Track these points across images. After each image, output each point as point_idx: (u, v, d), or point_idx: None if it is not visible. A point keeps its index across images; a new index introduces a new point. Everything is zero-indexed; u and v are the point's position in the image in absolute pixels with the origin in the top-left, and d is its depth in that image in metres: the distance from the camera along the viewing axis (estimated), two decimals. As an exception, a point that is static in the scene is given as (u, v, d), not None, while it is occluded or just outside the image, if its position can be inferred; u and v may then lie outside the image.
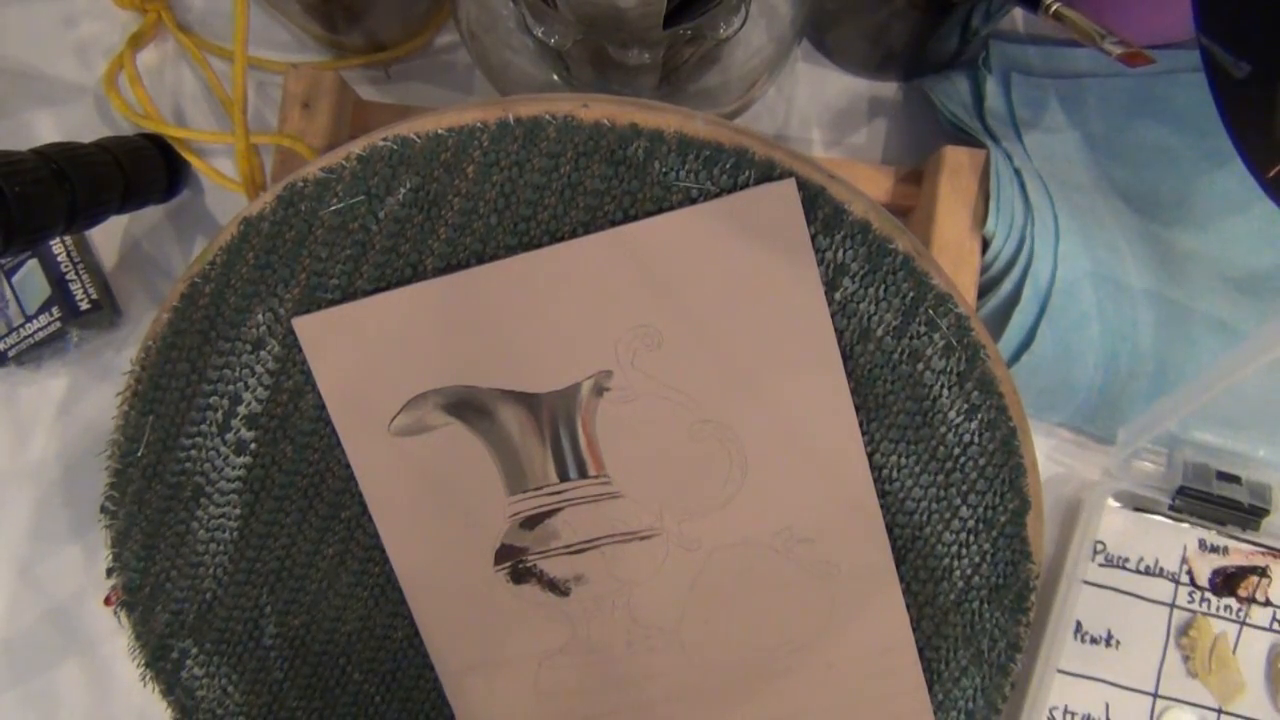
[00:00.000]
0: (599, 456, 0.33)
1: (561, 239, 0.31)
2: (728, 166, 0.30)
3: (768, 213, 0.30)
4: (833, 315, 0.31)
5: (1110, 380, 0.39)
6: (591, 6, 0.29)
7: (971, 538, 0.33)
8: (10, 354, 0.43)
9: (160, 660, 0.35)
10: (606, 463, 0.33)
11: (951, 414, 0.32)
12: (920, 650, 0.34)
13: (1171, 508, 0.40)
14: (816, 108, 0.44)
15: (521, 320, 0.32)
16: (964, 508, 0.33)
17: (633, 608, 0.34)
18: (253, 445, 0.33)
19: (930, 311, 0.31)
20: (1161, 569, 0.40)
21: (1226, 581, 0.40)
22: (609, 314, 0.31)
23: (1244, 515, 0.39)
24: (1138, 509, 0.40)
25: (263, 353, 0.32)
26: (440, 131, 0.30)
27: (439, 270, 0.31)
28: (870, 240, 0.30)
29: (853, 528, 0.33)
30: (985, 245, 0.38)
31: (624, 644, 0.34)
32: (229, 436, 0.33)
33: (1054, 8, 0.32)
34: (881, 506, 0.33)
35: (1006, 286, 0.38)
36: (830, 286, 0.31)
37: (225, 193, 0.44)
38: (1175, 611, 0.40)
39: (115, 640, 0.43)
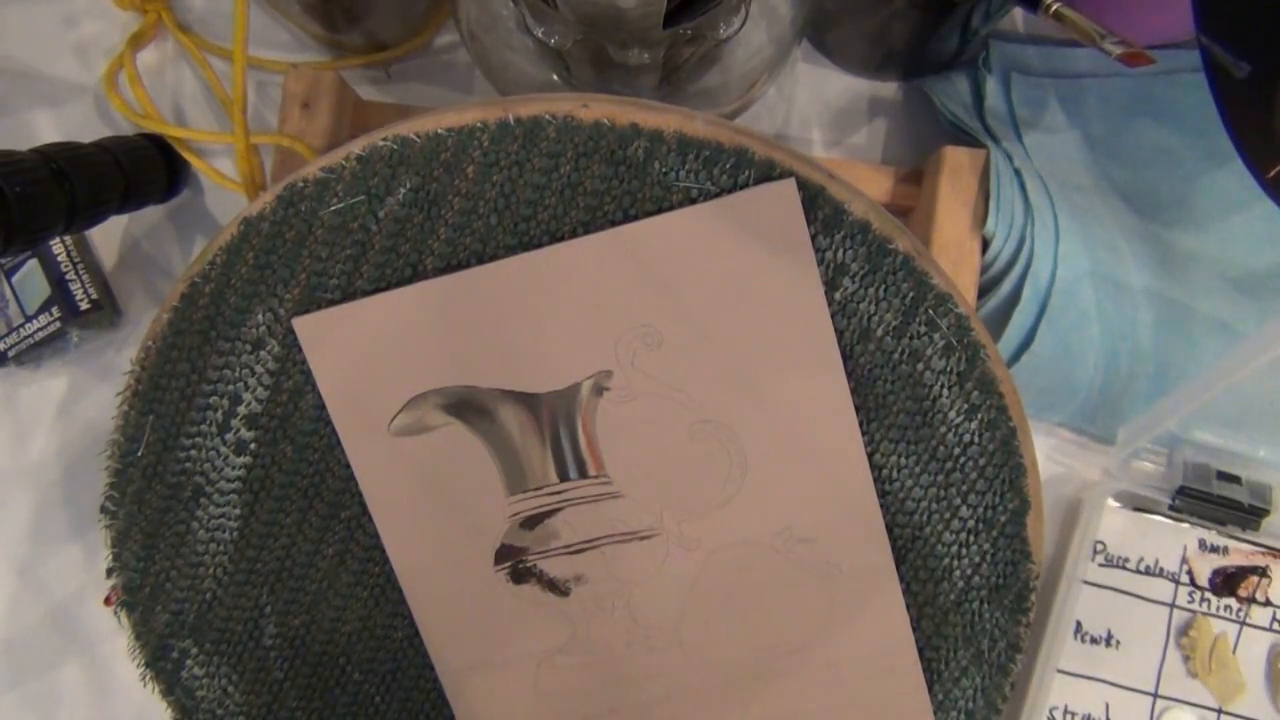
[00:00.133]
0: (599, 456, 0.33)
1: (561, 239, 0.31)
2: (728, 166, 0.30)
3: (768, 212, 0.30)
4: (833, 315, 0.31)
5: (1110, 380, 0.39)
6: (591, 6, 0.29)
7: (971, 538, 0.33)
8: (10, 354, 0.43)
9: (160, 660, 0.35)
10: (606, 463, 0.33)
11: (951, 414, 0.32)
12: (920, 650, 0.34)
13: (1171, 508, 0.40)
14: (816, 108, 0.44)
15: (521, 320, 0.32)
16: (964, 508, 0.33)
17: (633, 608, 0.34)
18: (253, 445, 0.33)
19: (930, 311, 0.31)
20: (1161, 569, 0.40)
21: (1226, 581, 0.40)
22: (609, 314, 0.31)
23: (1244, 515, 0.39)
24: (1138, 509, 0.40)
25: (263, 353, 0.32)
26: (440, 131, 0.30)
27: (439, 270, 0.31)
28: (870, 240, 0.30)
29: (853, 528, 0.33)
30: (985, 245, 0.38)
31: (624, 644, 0.34)
32: (229, 436, 0.33)
33: (1054, 8, 0.32)
34: (881, 506, 0.33)
35: (1006, 286, 0.38)
36: (830, 286, 0.31)
37: (225, 193, 0.44)
38: (1175, 611, 0.40)
39: (115, 640, 0.43)
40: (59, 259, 0.43)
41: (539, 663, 0.35)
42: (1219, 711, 0.39)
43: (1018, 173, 0.38)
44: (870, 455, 0.32)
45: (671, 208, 0.31)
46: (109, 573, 0.35)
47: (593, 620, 0.34)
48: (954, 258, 0.37)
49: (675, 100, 0.34)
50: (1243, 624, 0.39)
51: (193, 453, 0.33)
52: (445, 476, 0.33)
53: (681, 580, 0.34)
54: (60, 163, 0.36)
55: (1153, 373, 0.39)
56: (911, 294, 0.31)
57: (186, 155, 0.43)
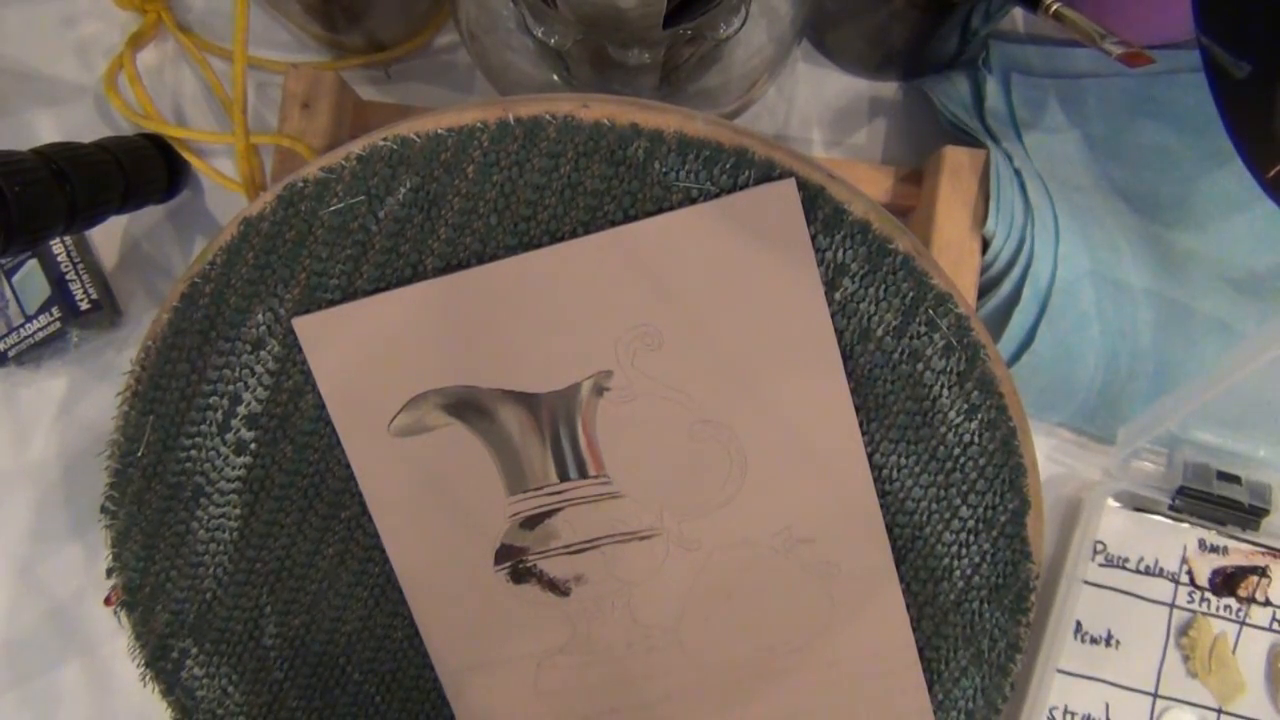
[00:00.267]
0: (599, 456, 0.33)
1: (561, 239, 0.31)
2: (728, 166, 0.30)
3: (768, 213, 0.30)
4: (833, 315, 0.31)
5: (1110, 380, 0.39)
6: (591, 6, 0.29)
7: (971, 538, 0.33)
8: (10, 354, 0.43)
9: (160, 660, 0.35)
10: (606, 463, 0.33)
11: (951, 414, 0.32)
12: (920, 650, 0.34)
13: (1171, 508, 0.40)
14: (816, 108, 0.44)
15: (521, 320, 0.32)
16: (964, 508, 0.33)
17: (633, 608, 0.34)
18: (253, 445, 0.33)
19: (930, 311, 0.31)
20: (1161, 569, 0.40)
21: (1226, 581, 0.40)
22: (609, 314, 0.31)
23: (1244, 515, 0.39)
24: (1138, 509, 0.40)
25: (263, 353, 0.32)
26: (440, 131, 0.30)
27: (439, 270, 0.31)
28: (870, 240, 0.30)
29: (853, 528, 0.33)
30: (985, 245, 0.38)
31: (624, 644, 0.34)
32: (229, 436, 0.33)
33: (1054, 8, 0.32)
34: (881, 506, 0.33)
35: (1006, 286, 0.38)
36: (830, 286, 0.31)
37: (225, 193, 0.44)
38: (1175, 611, 0.40)
39: (115, 640, 0.43)
40: (59, 259, 0.43)
41: (539, 663, 0.35)
42: (1219, 711, 0.39)
43: (1018, 173, 0.38)
44: (870, 455, 0.32)
45: (671, 208, 0.31)
46: (109, 573, 0.35)
47: (593, 620, 0.34)
48: (954, 258, 0.37)
49: (675, 100, 0.34)
50: (1242, 624, 0.39)
51: (193, 453, 0.33)
52: (445, 476, 0.33)
53: (682, 580, 0.34)
54: (60, 163, 0.36)
55: (1153, 373, 0.39)
56: (911, 294, 0.31)
57: (186, 155, 0.43)
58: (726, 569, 0.34)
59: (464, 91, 0.45)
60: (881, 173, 0.40)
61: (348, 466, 0.33)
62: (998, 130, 0.40)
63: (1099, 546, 0.40)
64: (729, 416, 0.32)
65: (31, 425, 0.44)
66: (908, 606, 0.34)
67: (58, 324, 0.43)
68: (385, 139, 0.31)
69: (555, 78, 0.36)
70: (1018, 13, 0.43)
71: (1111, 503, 0.40)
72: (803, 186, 0.30)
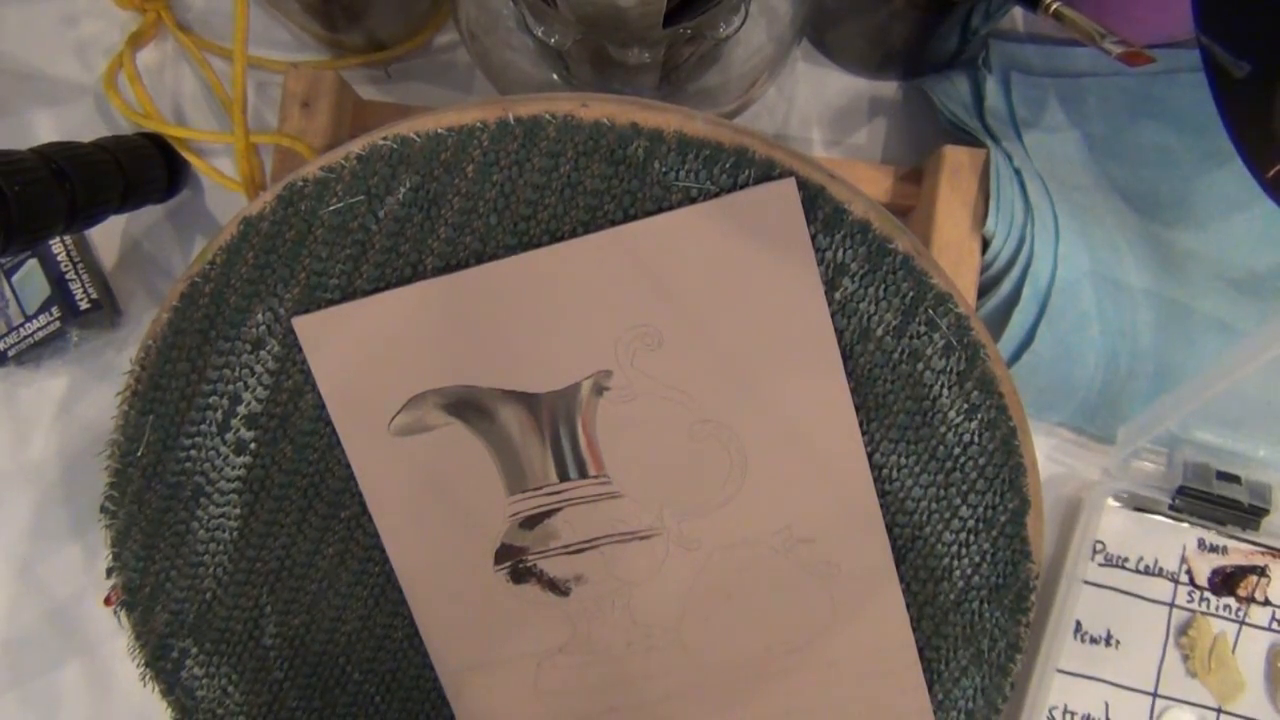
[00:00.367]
0: (599, 456, 0.33)
1: (561, 239, 0.31)
2: (728, 166, 0.30)
3: (768, 212, 0.30)
4: (833, 315, 0.31)
5: (1110, 380, 0.39)
6: (591, 6, 0.29)
7: (971, 537, 0.33)
8: (10, 354, 0.43)
9: (160, 660, 0.35)
10: (606, 463, 0.33)
11: (951, 414, 0.32)
12: (920, 650, 0.34)
13: (1171, 507, 0.40)
14: (816, 107, 0.44)
15: (521, 320, 0.32)
16: (964, 507, 0.33)
17: (633, 607, 0.34)
18: (253, 445, 0.33)
19: (930, 311, 0.31)
20: (1161, 569, 0.40)
21: (1226, 581, 0.40)
22: (609, 314, 0.31)
23: (1244, 515, 0.39)
24: (1138, 509, 0.40)
25: (263, 352, 0.32)
26: (440, 131, 0.30)
27: (439, 270, 0.31)
28: (870, 240, 0.30)
29: (853, 528, 0.33)
30: (985, 245, 0.38)
31: (624, 644, 0.34)
32: (229, 436, 0.33)
33: (1054, 7, 0.32)
34: (881, 506, 0.33)
35: (1006, 286, 0.38)
36: (830, 286, 0.31)
37: (225, 192, 0.44)
38: (1175, 611, 0.40)
39: (115, 640, 0.43)
40: (59, 259, 0.43)
41: (539, 662, 0.35)
42: (1218, 711, 0.39)
43: (1018, 172, 0.38)
44: (870, 455, 0.32)
45: (671, 207, 0.31)
46: (109, 573, 0.35)
47: (593, 620, 0.34)
48: (954, 258, 0.37)
49: (675, 100, 0.34)
50: (1242, 623, 0.39)
51: (193, 453, 0.33)
52: (445, 476, 0.33)
53: (681, 580, 0.34)
54: (60, 162, 0.36)
55: (1153, 373, 0.39)
56: (911, 294, 0.31)
57: (186, 155, 0.43)
58: (726, 569, 0.34)
59: (464, 91, 0.45)
60: (881, 172, 0.40)
61: (348, 466, 0.33)
62: (997, 130, 0.40)
63: (1099, 546, 0.40)
64: (729, 416, 0.32)
65: (31, 425, 0.44)
66: (908, 606, 0.34)
67: (57, 324, 0.43)
68: (385, 138, 0.30)
69: (555, 77, 0.36)
70: (1017, 12, 0.43)
71: (1111, 502, 0.40)
72: (803, 186, 0.30)
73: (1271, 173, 0.29)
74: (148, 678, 0.35)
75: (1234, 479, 0.39)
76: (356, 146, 0.31)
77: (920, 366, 0.32)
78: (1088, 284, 0.38)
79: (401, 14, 0.43)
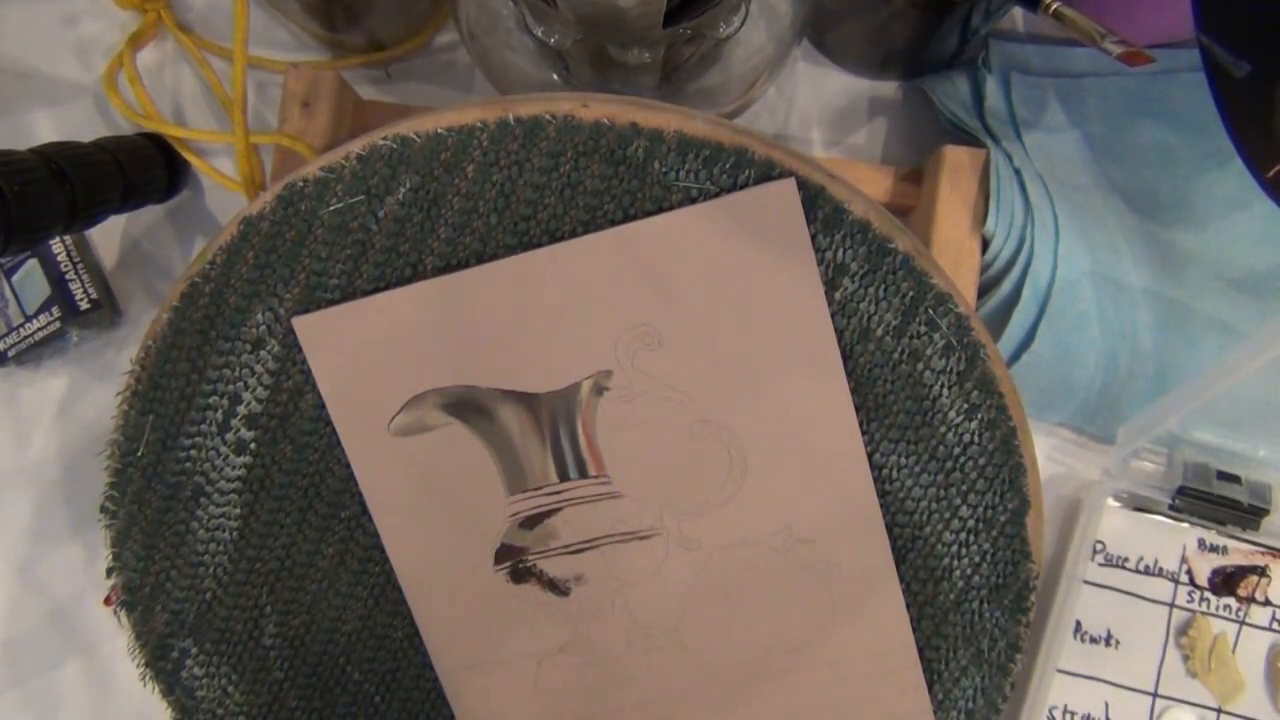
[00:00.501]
0: (599, 456, 0.33)
1: (561, 239, 0.31)
2: (728, 166, 0.30)
3: (768, 212, 0.30)
4: (833, 315, 0.31)
5: (1110, 380, 0.39)
6: (591, 6, 0.29)
7: (971, 537, 0.33)
8: (10, 354, 0.43)
9: (160, 660, 0.35)
10: (606, 462, 0.33)
11: (951, 414, 0.32)
12: (920, 650, 0.34)
13: (1171, 507, 0.40)
14: (816, 107, 0.44)
15: (521, 320, 0.32)
16: (964, 507, 0.33)
17: (633, 607, 0.34)
18: (253, 445, 0.33)
19: (930, 311, 0.31)
20: (1161, 569, 0.40)
21: (1226, 581, 0.40)
22: (609, 314, 0.31)
23: (1244, 515, 0.39)
24: (1138, 509, 0.40)
25: (263, 352, 0.32)
26: (440, 131, 0.30)
27: (439, 270, 0.31)
28: (870, 240, 0.30)
29: (853, 528, 0.33)
30: (985, 245, 0.38)
31: (624, 644, 0.34)
32: (229, 436, 0.33)
33: (1054, 7, 0.32)
34: (881, 506, 0.33)
35: (1006, 286, 0.38)
36: (830, 286, 0.31)
37: (225, 192, 0.44)
38: (1175, 611, 0.40)
39: (115, 640, 0.43)
40: (59, 259, 0.43)
41: (539, 662, 0.35)
42: (1218, 711, 0.39)
43: (1018, 172, 0.38)
44: (870, 455, 0.32)
45: (671, 207, 0.31)
46: (109, 573, 0.35)
47: (593, 620, 0.34)
48: (954, 258, 0.37)
49: (675, 100, 0.34)
50: (1242, 624, 0.39)
51: (193, 452, 0.33)
52: (445, 476, 0.33)
53: (681, 580, 0.34)
54: (60, 163, 0.36)
55: (1153, 373, 0.39)
56: (911, 294, 0.31)
57: (186, 155, 0.43)
58: (726, 569, 0.34)
59: (464, 91, 0.45)
60: (881, 172, 0.40)
61: (348, 466, 0.33)
62: (997, 130, 0.40)
63: (1099, 546, 0.40)
64: (729, 416, 0.32)
65: (31, 425, 0.44)
66: (908, 606, 0.34)
67: (58, 324, 0.43)
68: (385, 138, 0.30)
69: (555, 77, 0.36)
70: (1017, 12, 0.43)
71: (1111, 502, 0.40)
72: (803, 186, 0.30)
73: (1271, 173, 0.29)
74: (148, 678, 0.35)
75: (1234, 479, 0.39)
76: (356, 146, 0.31)
77: (920, 366, 0.32)
78: (1088, 284, 0.38)
79: (401, 14, 0.43)
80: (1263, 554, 0.40)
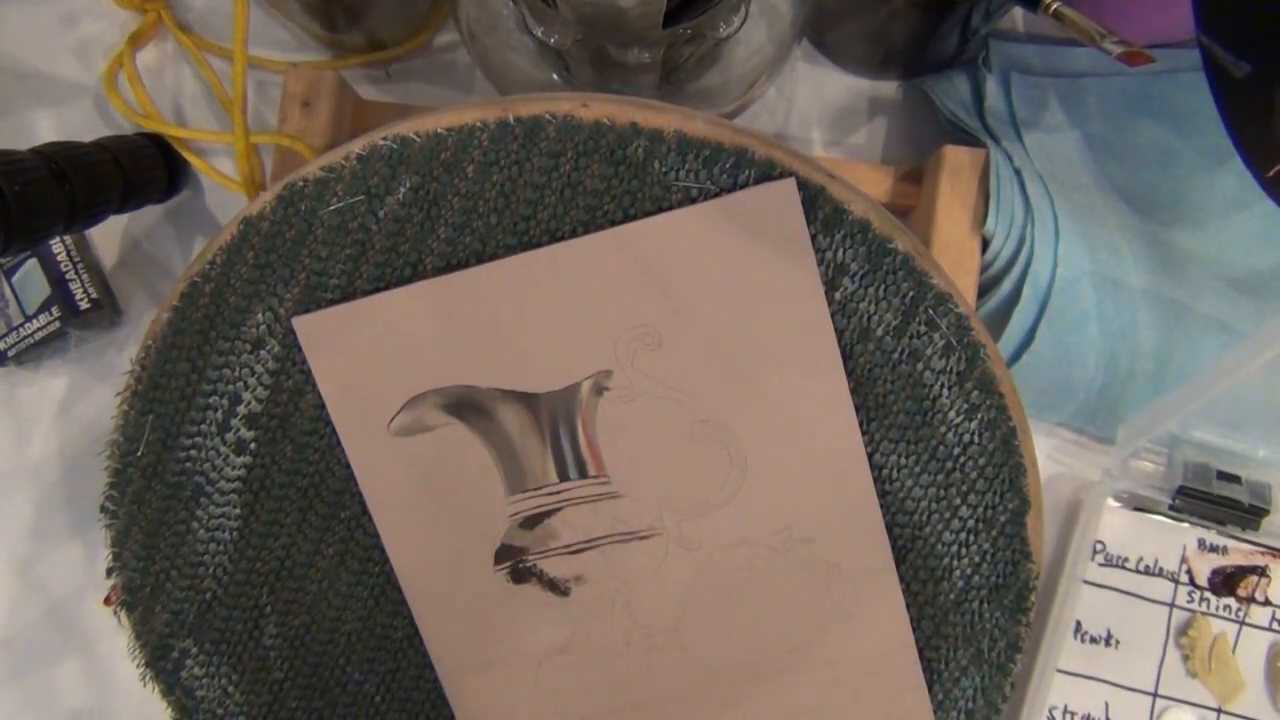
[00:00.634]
0: (599, 456, 0.33)
1: (561, 239, 0.31)
2: (728, 166, 0.30)
3: (768, 212, 0.30)
4: (833, 315, 0.31)
5: (1110, 380, 0.39)
6: (591, 6, 0.29)
7: (971, 538, 0.33)
8: (10, 354, 0.43)
9: (160, 660, 0.35)
10: (606, 462, 0.33)
11: (951, 414, 0.32)
12: (920, 650, 0.34)
13: (1171, 507, 0.40)
14: (816, 107, 0.44)
15: (521, 320, 0.32)
16: (964, 507, 0.33)
17: (633, 607, 0.34)
18: (253, 445, 0.33)
19: (930, 311, 0.31)
20: (1161, 569, 0.40)
21: (1226, 581, 0.40)
22: (609, 314, 0.31)
23: (1244, 515, 0.39)
24: (1138, 509, 0.40)
25: (263, 352, 0.32)
26: (440, 131, 0.30)
27: (439, 270, 0.31)
28: (870, 240, 0.30)
29: (853, 528, 0.33)
30: (985, 245, 0.38)
31: (624, 644, 0.34)
32: (229, 436, 0.33)
33: (1054, 7, 0.32)
34: (881, 506, 0.33)
35: (1006, 286, 0.38)
36: (830, 286, 0.31)
37: (225, 192, 0.44)
38: (1175, 611, 0.40)
39: (115, 640, 0.43)
40: (59, 259, 0.43)
41: (539, 662, 0.35)
42: (1219, 711, 0.39)
43: (1018, 172, 0.38)
44: (870, 455, 0.32)
45: (671, 207, 0.31)
46: (109, 572, 0.35)
47: (593, 620, 0.34)
48: (954, 258, 0.37)
49: (675, 100, 0.34)
50: (1242, 624, 0.39)
51: (193, 452, 0.33)
52: (445, 476, 0.33)
53: (681, 580, 0.34)
54: (60, 163, 0.36)
55: (1152, 373, 0.39)
56: (911, 294, 0.31)
57: (186, 155, 0.43)
58: (726, 569, 0.34)
59: (464, 91, 0.45)
60: (881, 172, 0.40)
61: (348, 466, 0.33)
62: (997, 130, 0.40)
63: (1099, 546, 0.40)
64: (729, 416, 0.32)
65: (31, 425, 0.44)
66: (908, 606, 0.34)
67: (58, 324, 0.43)
68: (385, 138, 0.30)
69: (555, 77, 0.36)
70: (1018, 12, 0.43)
71: (1111, 503, 0.40)
72: (803, 186, 0.30)
73: (1271, 173, 0.29)
74: (148, 678, 0.35)
75: (1234, 479, 0.39)
76: (356, 146, 0.31)
77: (920, 366, 0.32)
78: (1088, 284, 0.38)
79: (401, 14, 0.43)
80: (1263, 554, 0.40)
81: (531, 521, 0.33)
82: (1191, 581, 0.40)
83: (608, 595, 0.34)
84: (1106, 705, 0.39)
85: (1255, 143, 0.29)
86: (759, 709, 0.35)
